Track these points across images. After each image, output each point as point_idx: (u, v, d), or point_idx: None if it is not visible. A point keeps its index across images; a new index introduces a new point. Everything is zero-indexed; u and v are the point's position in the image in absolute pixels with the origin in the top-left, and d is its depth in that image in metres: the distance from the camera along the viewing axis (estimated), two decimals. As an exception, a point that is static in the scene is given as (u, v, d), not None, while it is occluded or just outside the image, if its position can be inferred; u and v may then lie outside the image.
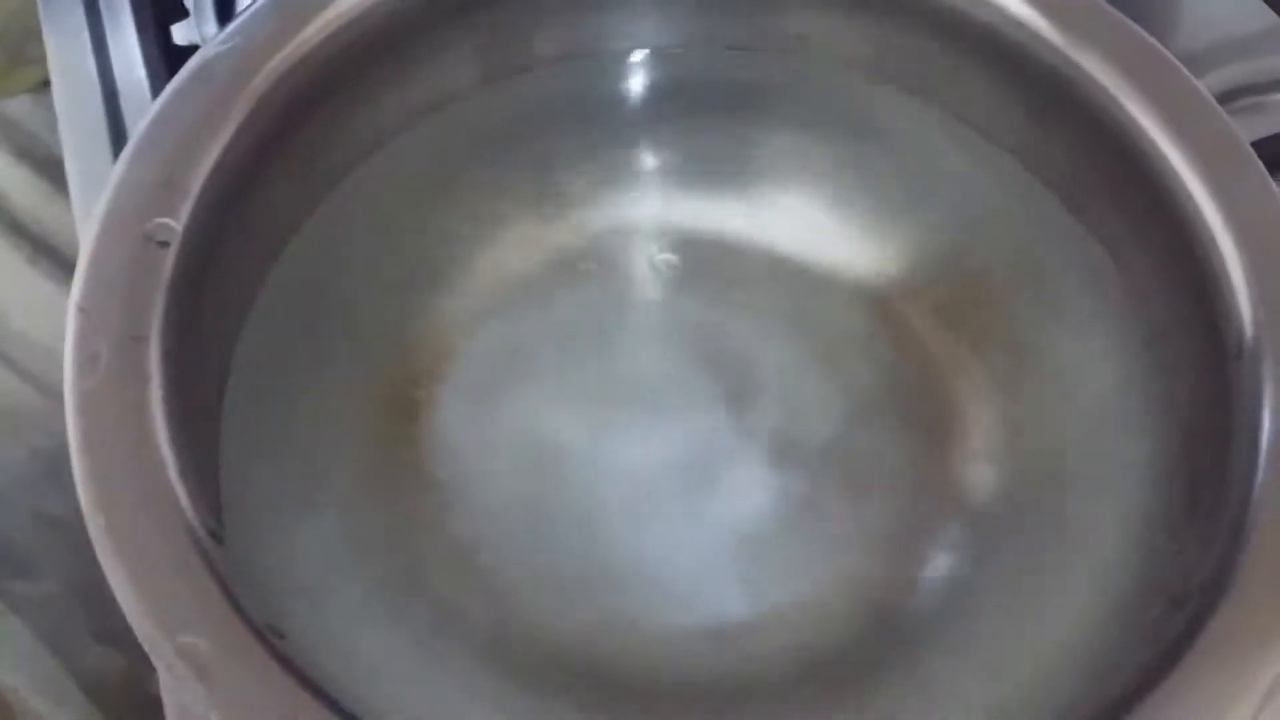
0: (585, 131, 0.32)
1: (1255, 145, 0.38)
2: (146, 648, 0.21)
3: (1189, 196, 0.26)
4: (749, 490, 0.30)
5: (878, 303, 0.32)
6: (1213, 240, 0.25)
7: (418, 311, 0.31)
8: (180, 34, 0.40)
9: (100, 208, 0.24)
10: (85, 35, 0.41)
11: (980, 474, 0.29)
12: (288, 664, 0.21)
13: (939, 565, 0.28)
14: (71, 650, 0.42)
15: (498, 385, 0.31)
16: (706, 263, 0.32)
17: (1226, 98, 0.39)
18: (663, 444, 0.31)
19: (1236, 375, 0.24)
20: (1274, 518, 0.22)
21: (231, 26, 0.27)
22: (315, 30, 0.27)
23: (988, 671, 0.26)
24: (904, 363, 0.31)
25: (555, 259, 0.32)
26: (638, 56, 0.32)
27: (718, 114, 0.32)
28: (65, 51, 0.40)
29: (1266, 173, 0.26)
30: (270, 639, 0.21)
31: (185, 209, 0.25)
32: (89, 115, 0.39)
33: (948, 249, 0.31)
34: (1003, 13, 0.28)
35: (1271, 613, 0.21)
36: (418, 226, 0.31)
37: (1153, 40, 0.28)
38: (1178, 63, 0.27)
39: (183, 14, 0.41)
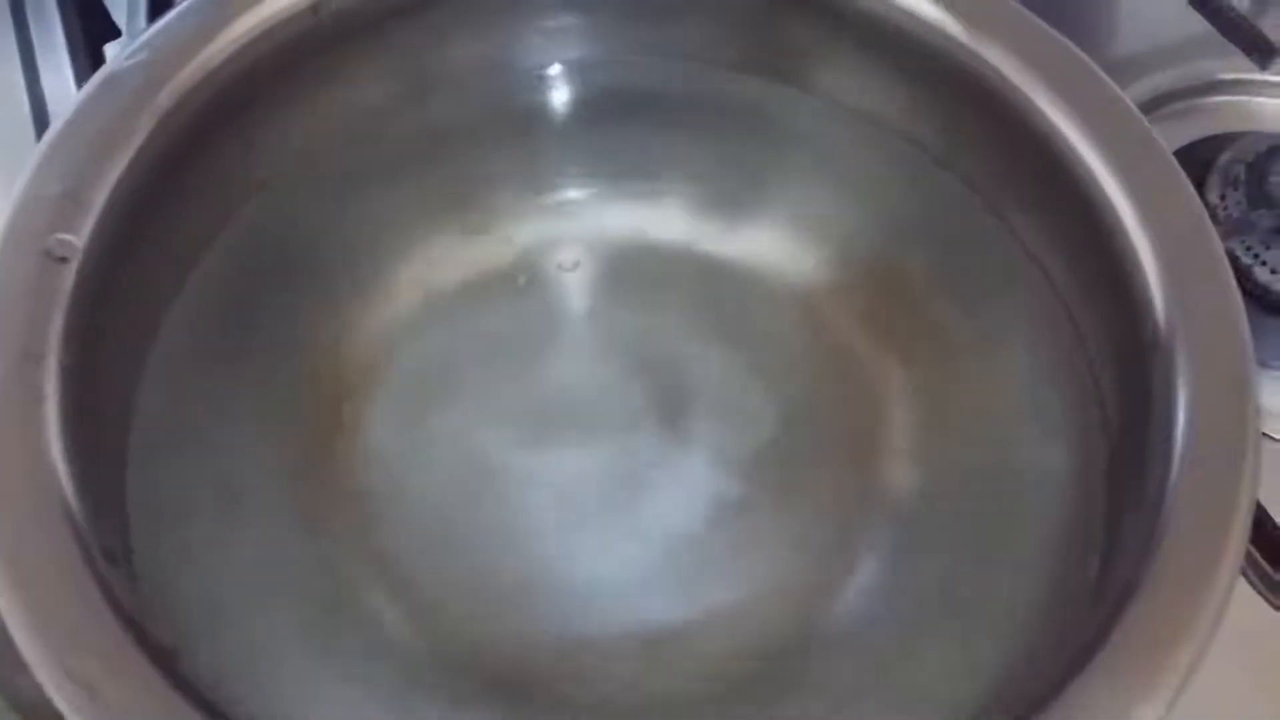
0: (507, 143, 0.32)
1: (1188, 148, 0.39)
2: (34, 669, 0.20)
3: (1104, 195, 0.26)
4: (678, 499, 0.30)
5: (806, 307, 0.31)
6: (1127, 237, 0.25)
7: (342, 327, 0.31)
8: (113, 54, 0.40)
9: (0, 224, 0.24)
10: (15, 56, 0.40)
11: (906, 477, 0.29)
12: (183, 686, 0.21)
13: (865, 569, 0.28)
14: (6, 675, 0.41)
15: (426, 399, 0.31)
16: (633, 272, 0.32)
17: (1159, 102, 0.40)
18: (593, 454, 0.30)
19: (1151, 371, 0.24)
20: (1186, 517, 0.22)
21: (140, 40, 0.27)
22: (225, 44, 0.27)
23: (913, 670, 0.26)
24: (832, 367, 0.31)
25: (481, 271, 0.32)
26: (554, 69, 0.31)
27: (638, 123, 0.32)
28: (-6, 72, 0.40)
29: (1180, 168, 0.26)
30: (166, 661, 0.21)
31: (87, 224, 0.24)
32: (18, 136, 0.39)
33: (872, 252, 0.31)
34: (916, 17, 0.28)
35: (1183, 610, 0.21)
36: (339, 241, 0.31)
37: (1067, 42, 0.28)
38: (1094, 64, 0.27)
39: (115, 34, 0.40)
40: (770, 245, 0.32)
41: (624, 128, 0.32)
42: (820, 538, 0.29)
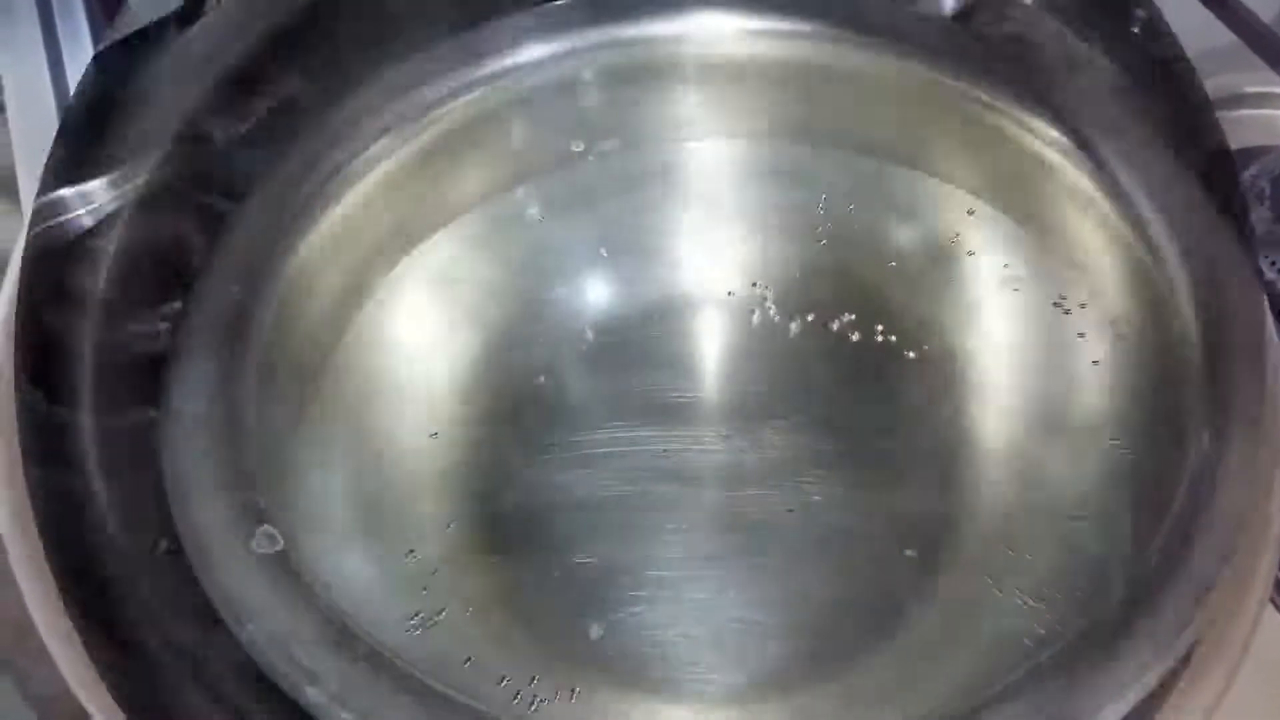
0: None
1: (1211, 161, 0.39)
2: (56, 660, 0.20)
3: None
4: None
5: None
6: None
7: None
8: (138, 53, 0.40)
9: (30, 220, 0.24)
10: (41, 56, 0.40)
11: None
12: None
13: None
14: (24, 667, 0.41)
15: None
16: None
17: (1182, 114, 0.39)
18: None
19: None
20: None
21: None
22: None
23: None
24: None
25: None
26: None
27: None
28: (20, 72, 0.40)
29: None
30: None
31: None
32: (44, 136, 0.39)
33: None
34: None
35: (1211, 639, 0.21)
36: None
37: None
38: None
39: (141, 33, 0.40)
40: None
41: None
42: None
